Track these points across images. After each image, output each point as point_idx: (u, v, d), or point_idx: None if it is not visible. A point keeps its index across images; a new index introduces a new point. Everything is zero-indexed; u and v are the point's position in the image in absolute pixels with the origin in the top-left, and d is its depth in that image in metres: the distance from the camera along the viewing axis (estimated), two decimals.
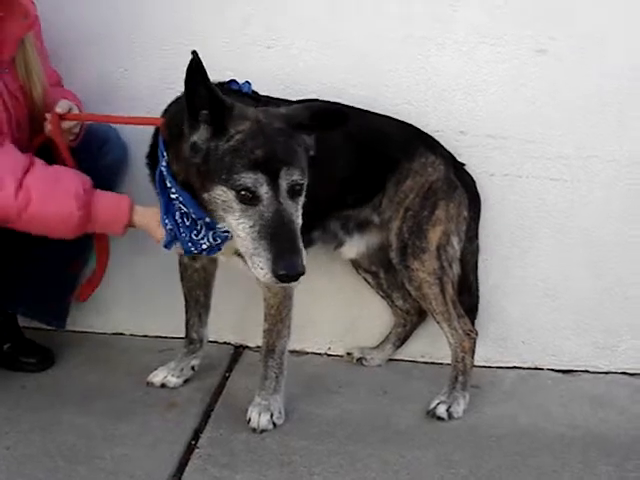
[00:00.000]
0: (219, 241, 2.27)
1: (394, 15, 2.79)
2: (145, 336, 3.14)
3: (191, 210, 2.19)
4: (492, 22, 2.77)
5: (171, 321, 2.99)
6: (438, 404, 2.60)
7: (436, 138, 2.76)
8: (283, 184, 2.01)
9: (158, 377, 2.72)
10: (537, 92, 2.81)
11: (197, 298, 2.71)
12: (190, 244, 2.28)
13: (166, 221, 2.27)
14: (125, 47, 2.89)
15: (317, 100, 2.47)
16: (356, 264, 2.90)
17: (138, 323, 3.15)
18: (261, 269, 1.99)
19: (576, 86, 2.79)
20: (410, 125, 2.71)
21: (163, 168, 2.22)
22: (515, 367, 3.00)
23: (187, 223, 2.24)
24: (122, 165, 2.86)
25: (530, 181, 2.87)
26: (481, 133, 2.85)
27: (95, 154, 2.69)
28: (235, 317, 3.07)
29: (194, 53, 1.92)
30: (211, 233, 2.25)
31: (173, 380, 2.72)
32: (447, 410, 2.57)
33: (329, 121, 2.16)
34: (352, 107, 2.50)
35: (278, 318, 2.47)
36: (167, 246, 2.36)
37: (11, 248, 2.74)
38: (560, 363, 3.00)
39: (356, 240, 2.72)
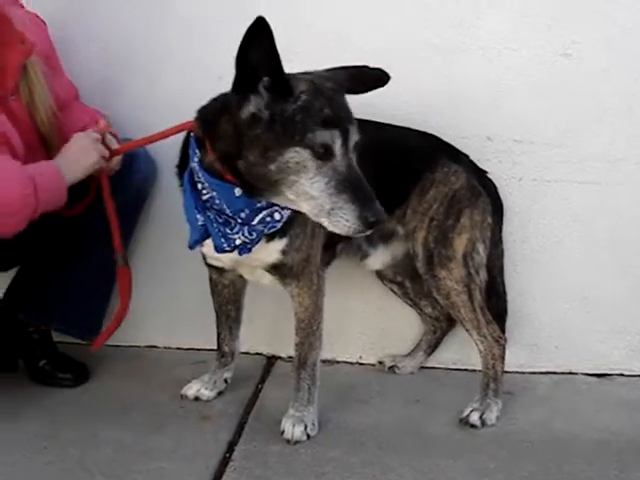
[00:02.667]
0: (254, 236, 2.23)
1: (415, 22, 2.79)
2: (178, 349, 3.17)
3: (226, 205, 2.17)
4: (516, 27, 2.76)
5: (203, 333, 2.99)
6: (471, 412, 2.59)
7: (462, 145, 2.75)
8: (352, 140, 2.04)
9: (192, 390, 2.75)
10: (563, 96, 2.79)
11: (228, 313, 2.72)
12: (223, 239, 2.23)
13: (197, 216, 2.23)
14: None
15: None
16: (381, 275, 2.91)
17: (171, 336, 3.17)
18: (346, 221, 1.99)
19: (602, 89, 2.77)
20: (431, 135, 2.70)
21: (195, 164, 2.20)
22: (548, 372, 2.98)
23: (220, 220, 2.22)
24: (152, 181, 2.90)
25: (558, 185, 2.86)
26: (508, 138, 2.83)
27: (125, 173, 2.72)
28: (267, 328, 3.09)
29: (260, 18, 1.88)
30: (246, 228, 2.22)
31: (206, 393, 2.74)
32: (480, 417, 2.56)
33: (368, 81, 2.21)
34: (371, 121, 2.51)
35: (309, 331, 2.49)
36: (192, 246, 2.31)
37: (43, 262, 2.80)
38: (594, 367, 2.97)
39: (381, 251, 2.73)
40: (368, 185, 2.04)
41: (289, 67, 2.64)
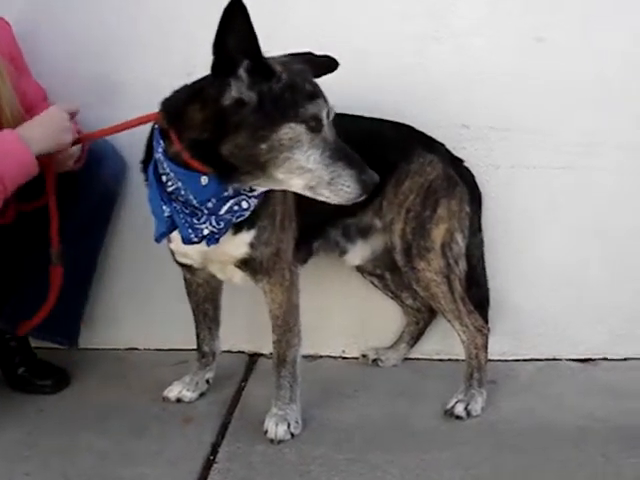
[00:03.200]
0: (222, 225, 2.19)
1: (386, 11, 2.76)
2: (159, 349, 3.12)
3: (192, 196, 2.12)
4: (488, 14, 2.75)
5: (183, 333, 2.92)
6: (456, 403, 2.57)
7: (438, 134, 2.72)
8: (331, 110, 2.08)
9: (173, 392, 2.71)
10: (538, 80, 2.77)
11: (205, 312, 2.68)
12: (190, 230, 2.19)
13: (163, 207, 2.19)
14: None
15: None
16: (360, 268, 2.88)
17: (151, 337, 3.13)
18: (347, 187, 2.02)
19: (578, 71, 2.75)
20: (405, 125, 2.67)
21: (159, 154, 2.15)
22: (532, 359, 2.97)
23: (187, 211, 2.17)
24: (121, 179, 2.85)
25: (536, 171, 2.84)
26: (483, 125, 2.82)
27: (93, 171, 2.67)
28: (247, 325, 3.05)
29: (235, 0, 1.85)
30: (213, 218, 2.18)
31: (188, 394, 2.70)
32: (465, 409, 2.54)
33: (318, 68, 2.21)
34: (344, 114, 2.46)
35: (286, 328, 2.46)
36: (159, 238, 2.27)
37: (13, 268, 2.75)
38: (578, 353, 2.96)
39: (360, 246, 2.70)
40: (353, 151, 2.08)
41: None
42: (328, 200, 2.06)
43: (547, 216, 2.88)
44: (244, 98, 1.99)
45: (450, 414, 2.55)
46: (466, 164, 2.74)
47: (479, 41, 2.76)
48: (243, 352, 3.09)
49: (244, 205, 2.21)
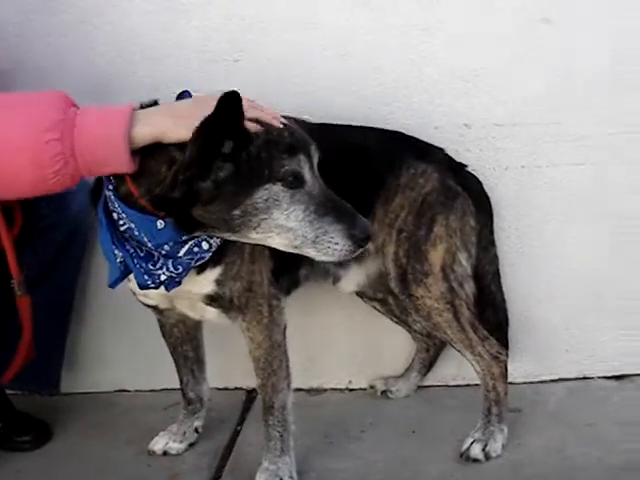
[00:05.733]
0: (180, 270, 1.97)
1: (370, 5, 2.49)
2: (151, 390, 2.90)
3: (147, 239, 1.89)
4: None
5: (175, 372, 2.71)
6: (472, 443, 2.28)
7: (436, 137, 2.46)
8: (315, 161, 1.91)
9: (159, 445, 2.47)
10: (545, 68, 2.50)
11: (185, 354, 2.45)
12: (146, 276, 1.97)
13: (115, 251, 1.96)
14: None
15: None
16: (360, 293, 2.61)
17: (141, 377, 2.90)
18: (336, 244, 1.84)
19: (588, 55, 2.48)
20: (393, 132, 2.41)
21: (109, 192, 1.91)
22: (560, 379, 2.69)
23: (141, 254, 1.95)
24: (89, 212, 2.59)
25: (551, 170, 2.56)
26: (487, 123, 2.55)
27: (60, 204, 2.43)
28: (243, 358, 2.75)
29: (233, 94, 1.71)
30: (170, 262, 1.95)
31: (175, 446, 2.46)
32: (483, 450, 2.26)
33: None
34: (319, 124, 2.24)
35: (269, 371, 2.20)
36: (113, 285, 2.03)
37: None
38: (610, 369, 2.68)
39: (353, 272, 2.43)
40: (345, 201, 1.88)
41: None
42: (317, 259, 1.89)
43: (567, 219, 2.61)
44: (222, 176, 1.81)
45: (466, 457, 2.27)
46: (470, 169, 2.47)
47: (475, 27, 2.48)
48: (240, 388, 2.86)
49: (204, 246, 1.97)
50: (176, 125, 1.82)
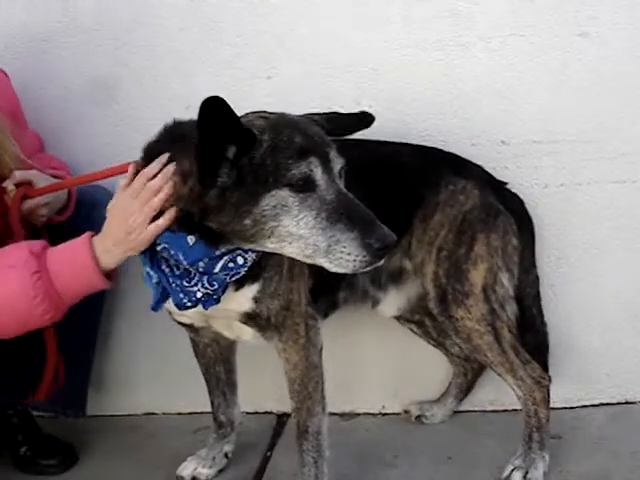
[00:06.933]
0: (216, 286, 1.92)
1: (402, 19, 2.45)
2: (179, 414, 2.85)
3: (182, 257, 1.87)
4: (520, 9, 2.40)
5: (204, 395, 2.60)
6: (512, 471, 2.19)
7: (473, 154, 2.40)
8: (336, 166, 1.80)
9: (187, 470, 2.41)
10: (585, 83, 2.43)
11: (217, 376, 2.39)
12: (182, 295, 1.93)
13: (151, 273, 1.95)
14: None
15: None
16: (396, 315, 2.53)
17: (170, 400, 2.86)
18: (348, 255, 1.72)
19: (629, 70, 2.40)
20: (430, 148, 2.36)
21: None
22: (601, 404, 2.60)
23: (177, 273, 1.92)
24: None
25: (592, 188, 2.49)
26: (525, 140, 2.48)
27: (82, 222, 2.36)
28: (274, 382, 2.69)
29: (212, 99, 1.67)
30: (205, 278, 1.91)
31: (205, 472, 2.40)
32: (524, 478, 2.17)
33: (348, 124, 2.00)
34: (353, 140, 2.17)
35: (305, 394, 2.13)
36: (156, 307, 2.01)
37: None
38: None
39: (393, 295, 2.37)
40: (366, 208, 1.77)
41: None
42: (331, 270, 1.77)
43: (608, 239, 2.52)
44: (225, 182, 1.77)
45: None
46: (510, 187, 2.40)
47: (513, 42, 2.42)
48: (271, 412, 2.80)
49: (239, 261, 1.92)
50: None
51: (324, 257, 1.75)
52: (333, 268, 1.76)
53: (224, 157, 1.75)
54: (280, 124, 1.81)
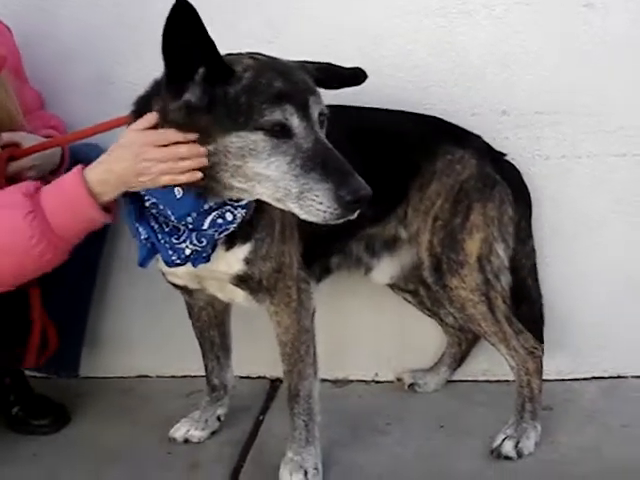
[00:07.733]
0: (204, 243, 1.92)
1: None
2: (172, 377, 2.85)
3: (170, 211, 1.86)
4: None
5: (198, 359, 2.61)
6: (504, 440, 2.21)
7: (473, 124, 2.39)
8: (314, 113, 1.77)
9: (180, 432, 2.41)
10: (589, 54, 2.42)
11: (212, 339, 2.39)
12: (171, 252, 1.93)
13: (140, 229, 1.94)
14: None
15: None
16: (390, 284, 2.54)
17: (164, 363, 2.86)
18: (319, 204, 1.70)
19: (634, 42, 2.39)
20: (429, 117, 2.35)
21: None
22: (593, 378, 2.61)
23: (166, 230, 1.92)
24: None
25: (592, 161, 2.48)
26: (527, 110, 2.47)
27: None
28: (268, 347, 2.66)
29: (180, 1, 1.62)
30: (194, 234, 1.90)
31: (197, 434, 2.40)
32: (515, 447, 2.18)
33: (340, 77, 1.97)
34: (353, 107, 2.16)
35: (297, 357, 2.13)
36: (143, 263, 2.00)
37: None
38: None
39: (386, 262, 2.37)
40: (343, 158, 1.73)
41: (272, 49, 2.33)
42: (301, 217, 1.75)
43: (606, 211, 2.52)
44: (193, 101, 1.74)
45: (497, 454, 2.20)
46: (509, 158, 2.39)
47: (517, 10, 2.40)
48: (264, 377, 2.80)
49: (228, 217, 1.91)
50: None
51: (295, 202, 1.73)
52: (303, 215, 1.74)
53: (192, 69, 1.72)
54: (266, 66, 1.78)
